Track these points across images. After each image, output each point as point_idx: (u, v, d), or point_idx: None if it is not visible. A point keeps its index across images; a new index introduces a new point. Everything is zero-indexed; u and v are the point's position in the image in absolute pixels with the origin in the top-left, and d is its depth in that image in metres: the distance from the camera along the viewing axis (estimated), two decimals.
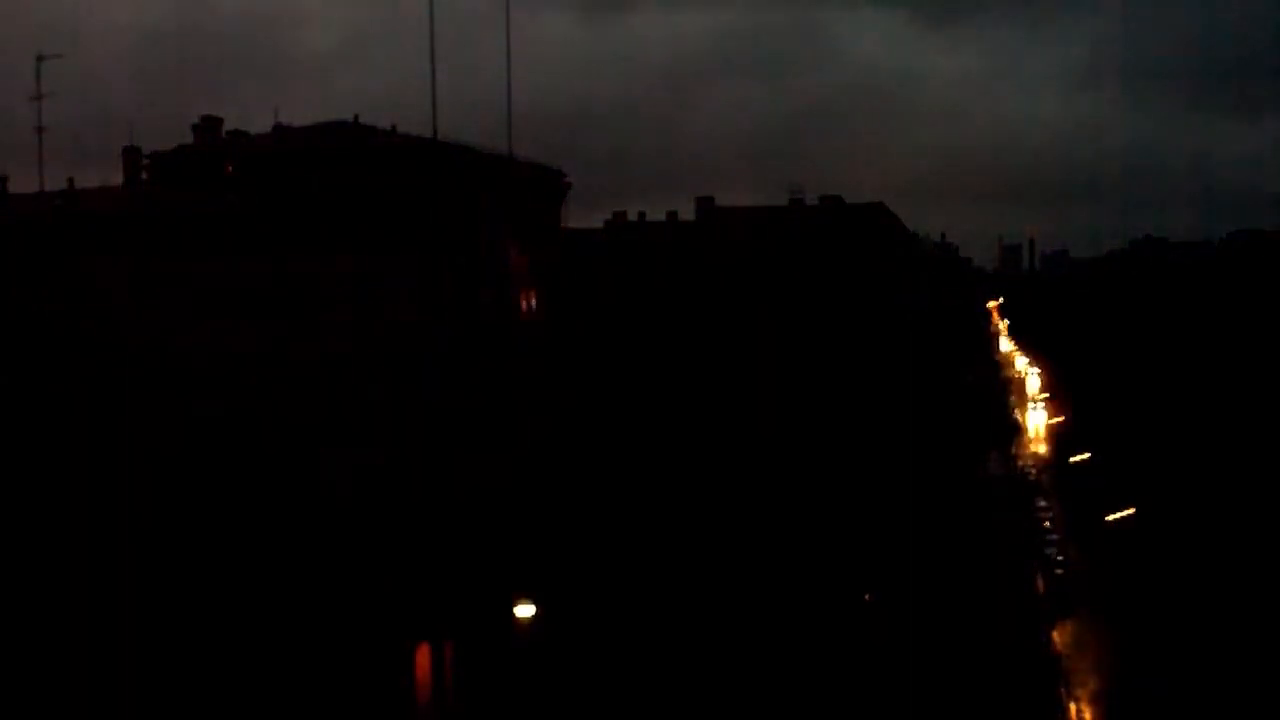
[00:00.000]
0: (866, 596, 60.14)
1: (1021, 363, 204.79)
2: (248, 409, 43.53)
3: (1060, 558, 76.64)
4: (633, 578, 51.51)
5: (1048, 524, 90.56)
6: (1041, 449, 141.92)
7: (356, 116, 50.59)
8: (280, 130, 52.47)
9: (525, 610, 40.47)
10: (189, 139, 53.17)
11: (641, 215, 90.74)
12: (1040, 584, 73.53)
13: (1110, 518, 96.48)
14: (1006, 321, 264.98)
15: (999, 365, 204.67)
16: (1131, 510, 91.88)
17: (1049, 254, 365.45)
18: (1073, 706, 54.63)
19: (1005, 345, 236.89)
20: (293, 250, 45.03)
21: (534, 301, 52.94)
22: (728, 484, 61.12)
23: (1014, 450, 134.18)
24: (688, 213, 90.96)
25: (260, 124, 53.59)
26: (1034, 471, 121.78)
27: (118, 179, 53.24)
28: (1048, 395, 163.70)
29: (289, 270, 44.63)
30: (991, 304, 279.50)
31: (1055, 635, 65.78)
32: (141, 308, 45.62)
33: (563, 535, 48.59)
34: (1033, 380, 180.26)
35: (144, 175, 52.82)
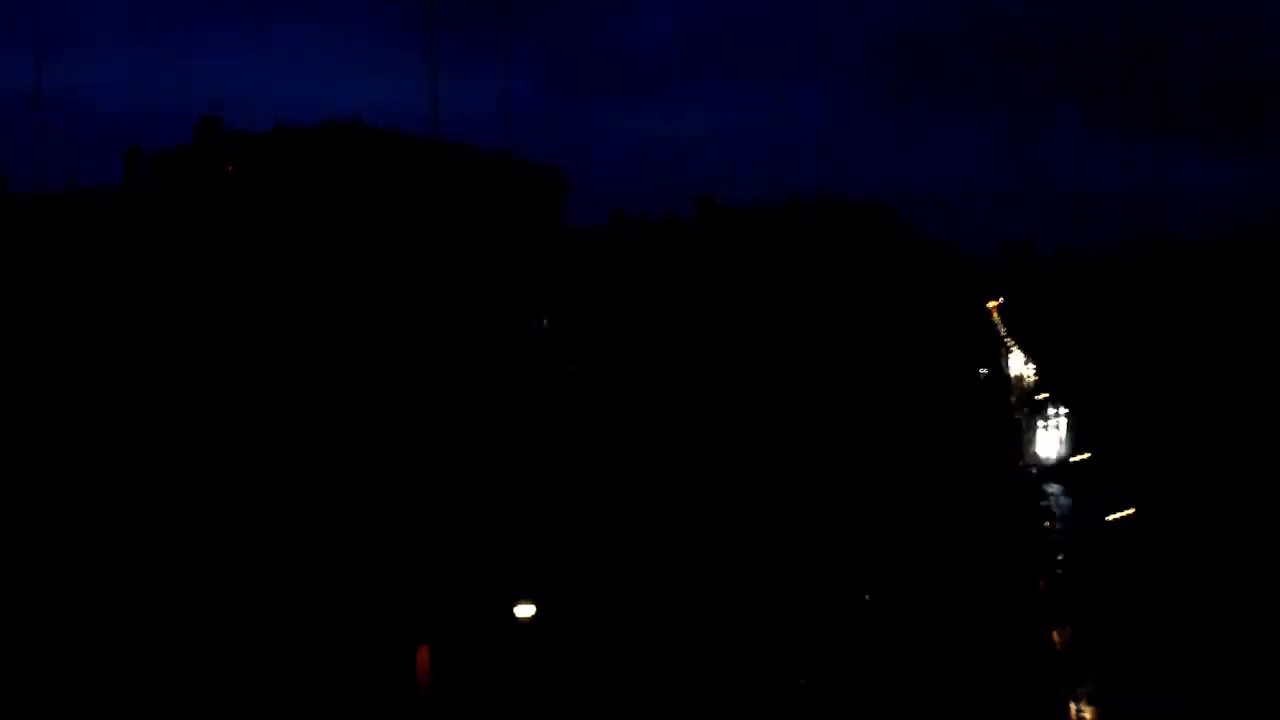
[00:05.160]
0: (866, 596, 60.18)
1: (1023, 363, 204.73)
2: (248, 408, 43.54)
3: (1061, 557, 76.65)
4: (633, 577, 51.54)
5: (1049, 523, 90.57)
6: (1042, 449, 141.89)
7: (357, 116, 50.57)
8: (280, 130, 52.42)
9: (525, 610, 40.47)
10: (189, 139, 53.10)
11: (642, 215, 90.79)
12: (1042, 584, 73.52)
13: (1110, 518, 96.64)
14: (1007, 322, 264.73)
15: (1000, 365, 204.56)
16: (1131, 510, 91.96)
17: (1050, 254, 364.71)
18: (1072, 706, 54.55)
19: (1005, 345, 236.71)
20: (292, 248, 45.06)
21: (533, 300, 52.93)
22: (728, 483, 61.16)
23: (1015, 449, 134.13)
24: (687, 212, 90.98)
25: (260, 124, 53.55)
26: (1035, 471, 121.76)
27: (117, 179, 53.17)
28: (1049, 395, 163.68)
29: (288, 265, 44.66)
30: (991, 304, 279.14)
31: (1055, 635, 65.72)
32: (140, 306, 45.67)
33: (563, 535, 48.60)
34: (1034, 380, 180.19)
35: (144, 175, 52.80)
